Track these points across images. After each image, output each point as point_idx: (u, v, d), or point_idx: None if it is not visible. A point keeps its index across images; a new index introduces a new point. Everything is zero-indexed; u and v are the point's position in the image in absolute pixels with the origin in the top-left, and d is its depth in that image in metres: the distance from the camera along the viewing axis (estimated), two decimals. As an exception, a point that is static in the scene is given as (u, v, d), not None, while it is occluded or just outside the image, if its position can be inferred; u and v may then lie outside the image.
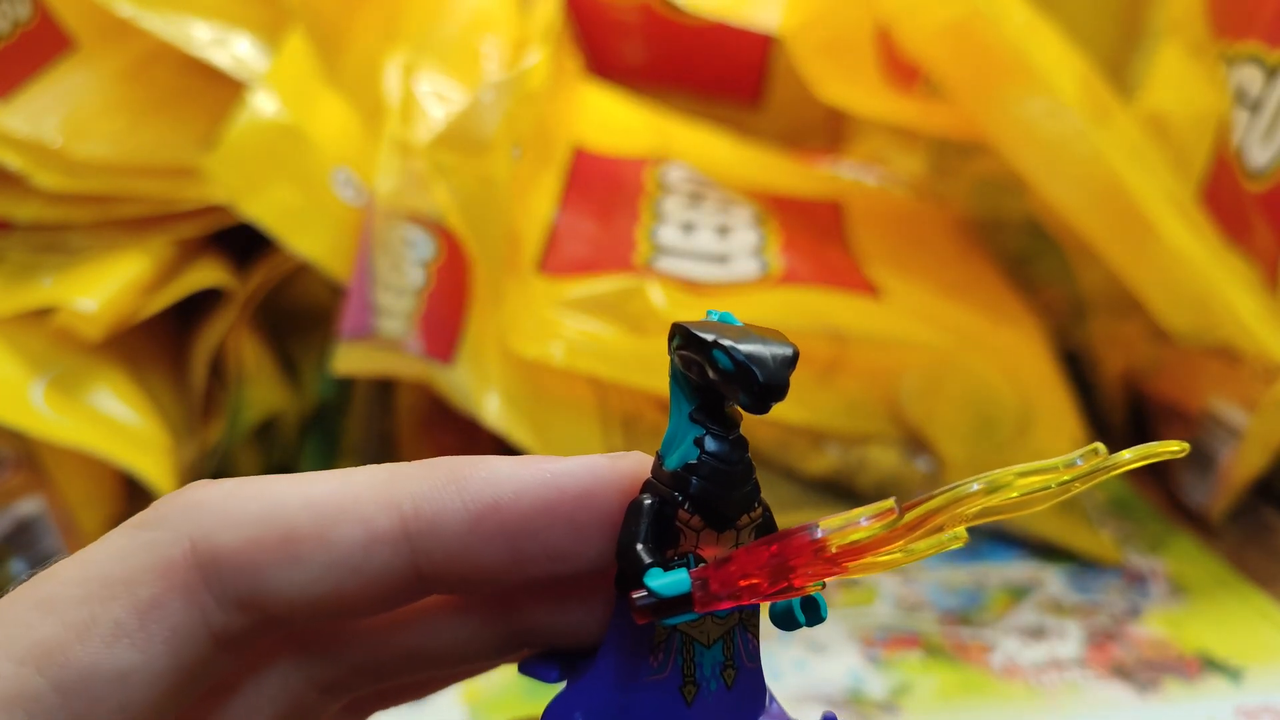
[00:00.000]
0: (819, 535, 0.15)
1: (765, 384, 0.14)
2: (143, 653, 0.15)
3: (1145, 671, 0.37)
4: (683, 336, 0.15)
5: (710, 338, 0.15)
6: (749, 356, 0.14)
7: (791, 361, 0.15)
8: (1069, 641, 0.39)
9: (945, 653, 0.38)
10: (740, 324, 0.16)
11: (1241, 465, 0.43)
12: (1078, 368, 0.52)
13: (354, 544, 0.15)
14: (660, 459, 0.16)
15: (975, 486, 0.14)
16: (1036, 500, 0.15)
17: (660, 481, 0.16)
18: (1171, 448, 0.15)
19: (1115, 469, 0.15)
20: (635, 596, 0.15)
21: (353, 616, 0.17)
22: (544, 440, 0.41)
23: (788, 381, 0.15)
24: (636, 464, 0.16)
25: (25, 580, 0.15)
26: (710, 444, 0.16)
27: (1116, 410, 0.51)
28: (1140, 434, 0.51)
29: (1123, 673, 0.37)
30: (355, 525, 0.15)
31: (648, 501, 0.16)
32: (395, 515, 0.16)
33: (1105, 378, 0.52)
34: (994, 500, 0.15)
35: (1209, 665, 0.37)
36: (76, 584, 0.15)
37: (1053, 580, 0.42)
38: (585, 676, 0.17)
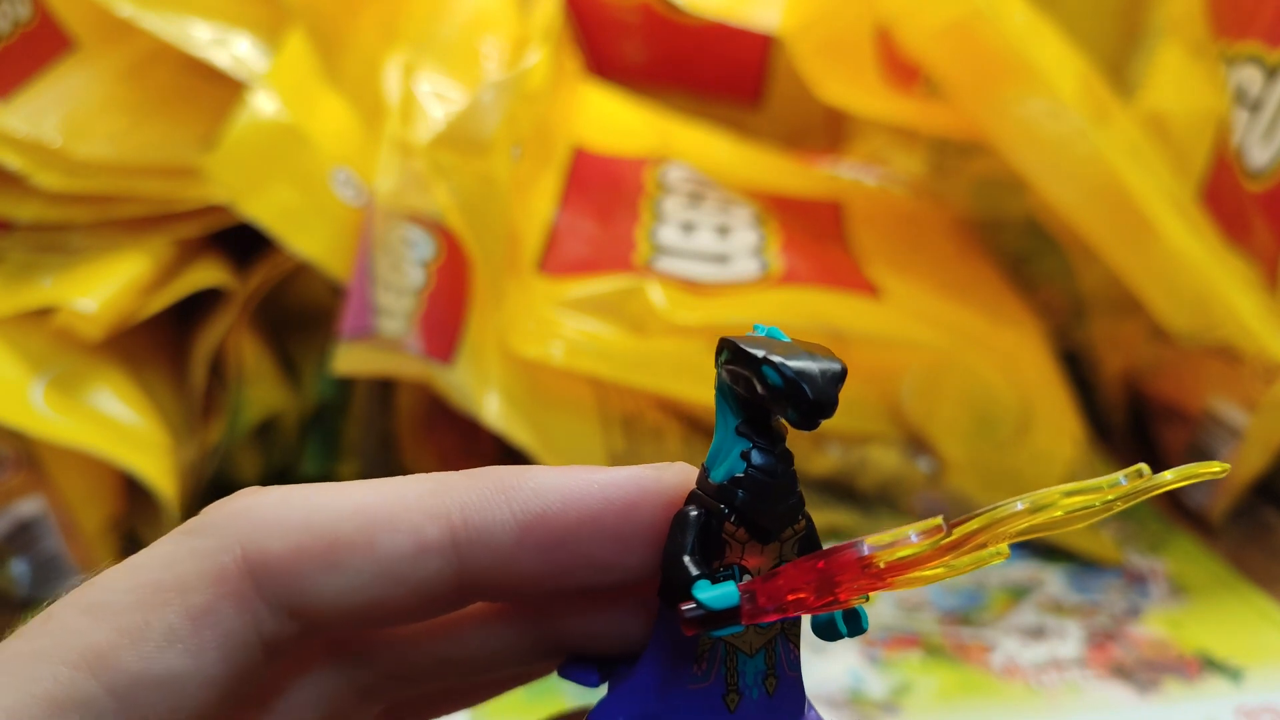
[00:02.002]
0: (866, 552, 0.15)
1: (815, 400, 0.14)
2: (195, 658, 0.15)
3: (1145, 671, 0.37)
4: (731, 351, 0.16)
5: (760, 353, 0.15)
6: (799, 373, 0.15)
7: (840, 378, 0.15)
8: (1069, 641, 0.39)
9: (945, 653, 0.38)
10: (788, 339, 0.16)
11: (1241, 465, 0.43)
12: (1078, 368, 0.52)
13: (403, 553, 0.16)
14: (706, 471, 0.16)
15: (1019, 506, 0.15)
16: (1078, 519, 0.15)
17: (706, 494, 0.16)
18: (1213, 468, 0.15)
19: (1157, 489, 0.15)
20: (684, 608, 0.15)
21: (398, 624, 0.17)
22: (544, 440, 0.41)
23: (837, 398, 0.15)
24: (681, 475, 0.17)
25: (72, 588, 0.15)
26: (756, 457, 0.16)
27: (1116, 410, 0.51)
28: (1140, 434, 0.51)
29: (1123, 673, 0.37)
30: (405, 534, 0.16)
31: (694, 513, 0.16)
32: (444, 525, 0.16)
33: (1105, 378, 0.52)
34: (1039, 519, 0.15)
35: (1209, 665, 0.37)
36: (127, 590, 0.15)
37: (1053, 580, 0.42)
38: (628, 683, 0.17)
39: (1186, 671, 0.37)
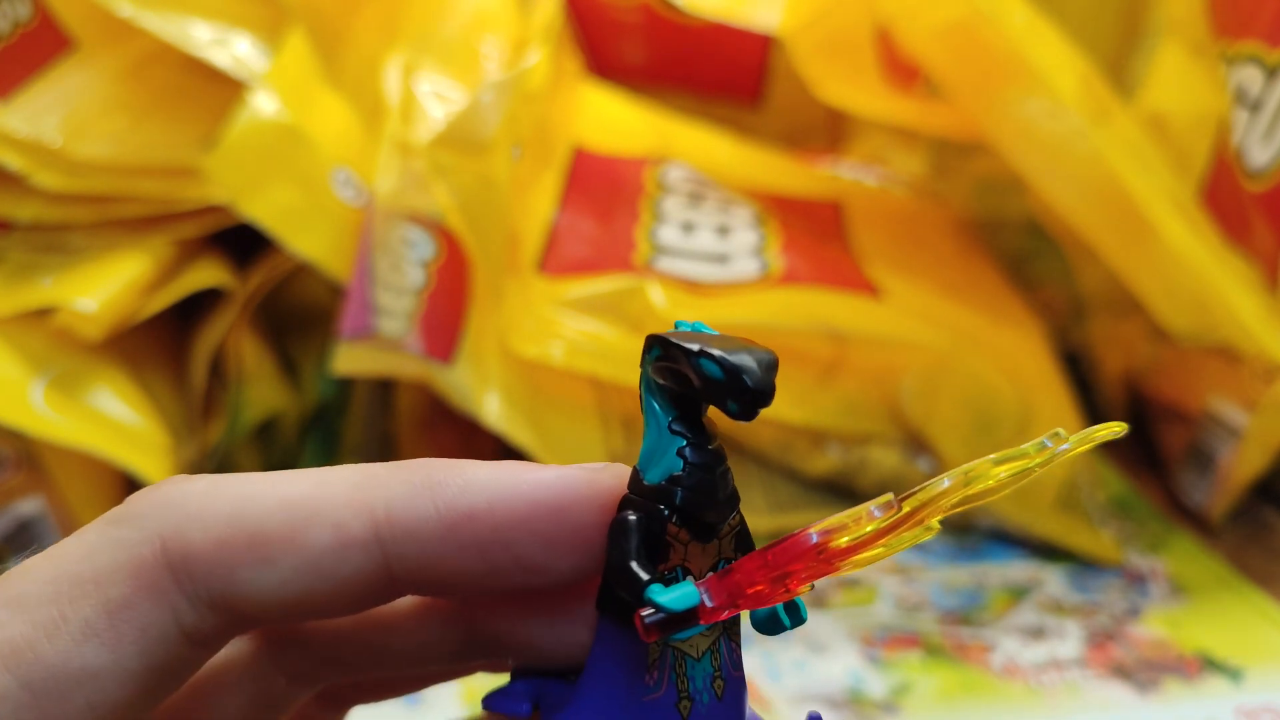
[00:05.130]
0: (817, 539, 0.15)
1: (754, 389, 0.14)
2: (112, 652, 0.15)
3: (1145, 671, 0.37)
4: (663, 347, 0.15)
5: (695, 347, 0.15)
6: (737, 364, 0.14)
7: (774, 366, 0.15)
8: (1069, 641, 0.39)
9: (945, 653, 0.38)
10: (715, 333, 0.16)
11: (1241, 465, 0.43)
12: (1078, 368, 0.52)
13: (325, 547, 0.15)
14: (639, 474, 0.16)
15: (946, 483, 0.15)
16: (1007, 485, 0.15)
17: (642, 497, 0.16)
18: (1113, 428, 0.16)
19: (1066, 454, 0.15)
20: (643, 614, 0.15)
21: (324, 617, 0.17)
22: (544, 440, 0.41)
23: (774, 386, 0.15)
24: (615, 477, 0.16)
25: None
26: (693, 454, 0.15)
27: (1116, 410, 0.51)
28: (1140, 434, 0.51)
29: (1123, 673, 0.37)
30: (327, 528, 0.15)
31: (633, 518, 0.15)
32: (368, 519, 0.15)
33: (1105, 378, 0.52)
34: (974, 490, 0.15)
35: (1209, 665, 0.37)
36: (46, 582, 0.15)
37: (1053, 580, 0.42)
38: (572, 706, 0.17)
39: (1186, 671, 0.37)
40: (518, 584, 0.16)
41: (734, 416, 0.15)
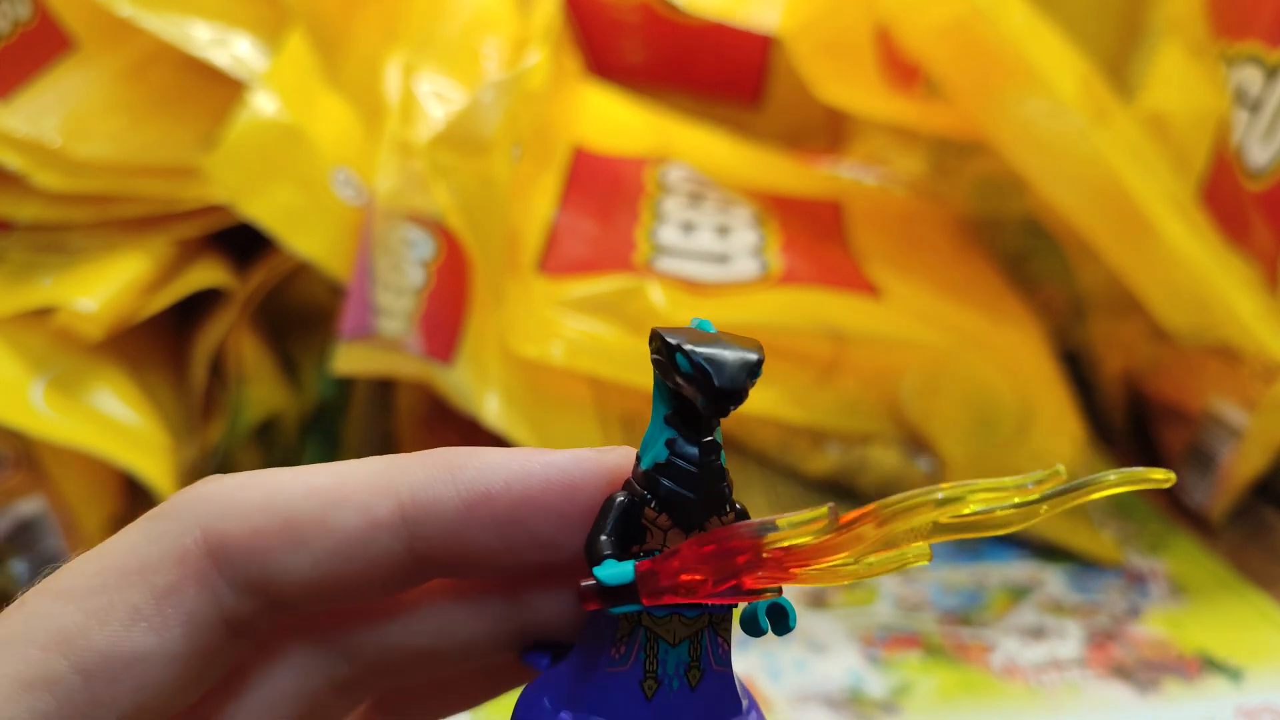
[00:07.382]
0: (762, 535, 0.15)
1: (720, 387, 0.15)
2: (160, 635, 0.15)
3: (1145, 671, 0.37)
4: (657, 341, 0.16)
5: (675, 341, 0.15)
6: (707, 360, 0.15)
7: (753, 368, 0.15)
8: (1069, 641, 0.39)
9: (945, 653, 0.38)
10: (715, 330, 0.16)
11: (1241, 465, 0.43)
12: (1078, 368, 0.52)
13: (354, 530, 0.16)
14: (637, 460, 0.17)
15: (940, 494, 0.14)
16: (999, 521, 0.14)
17: (635, 481, 0.17)
18: (1157, 476, 0.14)
19: (1098, 491, 0.14)
20: (583, 584, 0.16)
21: (356, 600, 0.17)
22: (544, 440, 0.41)
23: (745, 386, 0.15)
24: (623, 458, 0.17)
25: (46, 575, 0.16)
26: (680, 446, 0.16)
27: (1116, 410, 0.51)
28: (1140, 434, 0.51)
29: (1123, 673, 0.37)
30: (355, 512, 0.16)
31: (619, 499, 0.16)
32: (393, 502, 0.16)
33: (1105, 378, 0.52)
34: (945, 515, 0.14)
35: (1209, 665, 0.37)
36: (95, 574, 0.16)
37: (1053, 580, 0.42)
38: (560, 664, 0.18)
39: (1186, 671, 0.37)
40: (535, 559, 0.17)
41: (705, 411, 0.15)
